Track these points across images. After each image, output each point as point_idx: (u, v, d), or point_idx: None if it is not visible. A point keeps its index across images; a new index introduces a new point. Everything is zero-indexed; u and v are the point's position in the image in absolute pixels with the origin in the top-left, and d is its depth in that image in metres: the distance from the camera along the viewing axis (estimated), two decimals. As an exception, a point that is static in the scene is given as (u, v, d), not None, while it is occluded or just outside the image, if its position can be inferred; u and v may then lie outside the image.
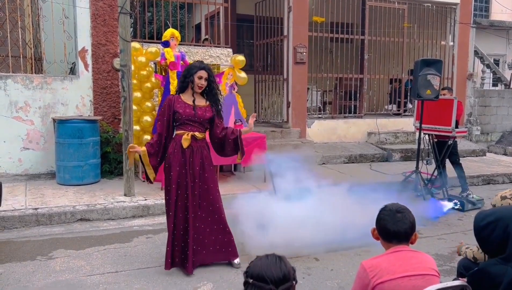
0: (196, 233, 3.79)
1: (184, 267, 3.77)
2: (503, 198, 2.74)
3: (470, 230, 2.93)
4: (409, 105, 10.23)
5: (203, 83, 3.77)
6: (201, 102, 3.84)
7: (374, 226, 2.29)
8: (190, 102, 3.79)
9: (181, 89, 3.85)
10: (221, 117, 3.95)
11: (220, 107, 3.95)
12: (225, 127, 3.93)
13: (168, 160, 3.76)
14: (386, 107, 10.90)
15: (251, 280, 1.49)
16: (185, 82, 3.80)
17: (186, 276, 3.74)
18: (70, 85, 6.79)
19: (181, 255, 3.79)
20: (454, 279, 2.74)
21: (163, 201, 5.49)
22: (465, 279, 2.38)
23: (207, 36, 9.39)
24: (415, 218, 2.23)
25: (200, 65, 3.81)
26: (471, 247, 2.97)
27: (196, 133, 3.78)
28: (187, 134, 3.74)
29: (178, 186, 3.76)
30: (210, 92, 3.85)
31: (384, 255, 2.19)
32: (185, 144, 3.72)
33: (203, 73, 3.76)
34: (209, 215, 3.84)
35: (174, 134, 3.85)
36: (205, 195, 3.82)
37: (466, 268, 2.90)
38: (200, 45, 8.39)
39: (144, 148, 3.77)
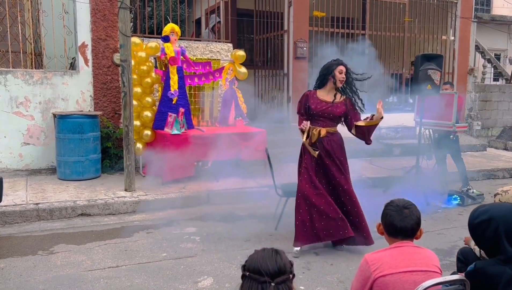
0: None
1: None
2: None
3: (470, 225, 2.92)
4: (410, 100, 10.21)
5: (344, 76, 4.02)
6: (337, 97, 4.10)
7: (380, 222, 2.29)
8: (325, 98, 4.08)
9: (321, 84, 4.14)
10: (356, 109, 4.20)
11: (356, 99, 4.19)
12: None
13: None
14: (387, 100, 10.80)
15: (247, 273, 1.50)
16: (324, 77, 4.09)
17: (186, 270, 3.75)
18: (70, 80, 6.78)
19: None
20: (453, 273, 2.75)
21: (164, 196, 5.56)
22: (463, 274, 2.38)
23: (219, 20, 9.16)
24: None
25: (337, 60, 4.10)
26: None
27: (324, 129, 4.08)
28: (316, 130, 4.06)
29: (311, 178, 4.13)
30: (348, 85, 4.12)
31: (387, 249, 2.19)
32: (313, 138, 4.06)
33: (343, 68, 4.03)
34: (355, 208, 4.19)
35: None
36: (345, 189, 4.12)
37: (465, 256, 2.90)
38: (200, 40, 8.37)
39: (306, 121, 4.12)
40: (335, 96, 4.11)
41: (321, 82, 4.13)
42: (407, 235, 2.18)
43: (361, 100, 4.22)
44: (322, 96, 4.11)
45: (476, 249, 2.91)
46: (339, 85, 4.05)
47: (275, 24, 9.05)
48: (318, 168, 4.13)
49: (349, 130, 4.26)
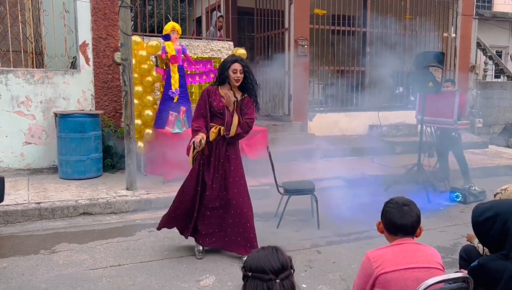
0: (214, 217, 3.89)
1: (195, 237, 3.98)
2: None
3: (472, 223, 2.92)
4: (411, 98, 10.19)
5: (239, 75, 3.77)
6: (238, 96, 3.86)
7: (379, 220, 2.29)
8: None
9: (221, 82, 3.86)
10: (252, 108, 3.91)
11: (256, 98, 3.94)
12: (248, 118, 3.87)
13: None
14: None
15: (250, 273, 1.49)
16: (221, 78, 3.83)
17: (188, 269, 3.75)
18: (71, 79, 6.78)
19: (188, 224, 3.93)
20: (456, 271, 2.74)
21: (165, 195, 5.55)
22: (466, 271, 2.38)
23: (221, 14, 9.14)
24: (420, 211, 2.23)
25: (232, 58, 3.86)
26: None
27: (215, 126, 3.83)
28: (215, 128, 3.82)
29: (198, 174, 3.85)
30: (246, 84, 3.85)
31: (389, 246, 2.19)
32: (211, 136, 3.81)
33: (237, 66, 3.77)
34: (233, 208, 3.85)
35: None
36: (230, 187, 3.85)
37: (468, 254, 2.90)
38: (201, 38, 8.36)
39: (202, 134, 3.76)
40: (235, 94, 3.86)
41: (221, 80, 3.85)
42: (407, 232, 2.18)
43: (256, 98, 3.94)
44: (223, 93, 3.83)
45: (480, 247, 2.90)
46: (235, 84, 3.79)
47: (276, 22, 9.04)
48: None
49: None
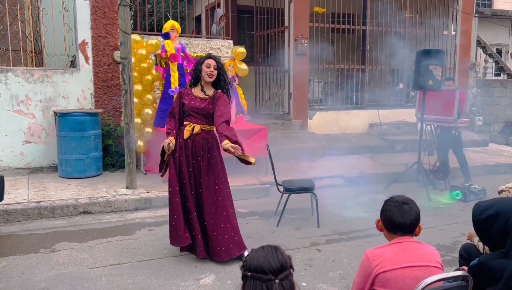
0: (208, 228, 3.83)
1: (193, 251, 3.90)
2: None
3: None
4: (411, 93, 10.15)
5: (212, 70, 3.79)
6: (210, 93, 3.85)
7: (379, 217, 2.28)
8: (199, 95, 3.84)
9: (194, 82, 3.90)
10: (226, 102, 3.83)
11: (228, 95, 3.94)
12: (223, 121, 3.72)
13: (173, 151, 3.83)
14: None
15: (249, 273, 1.49)
16: (195, 74, 3.87)
17: (188, 267, 3.75)
18: (71, 78, 6.78)
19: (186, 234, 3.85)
20: (456, 270, 2.74)
21: (165, 193, 5.52)
22: (466, 269, 2.38)
23: (222, 14, 9.13)
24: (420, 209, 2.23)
25: (207, 55, 3.92)
26: None
27: (199, 125, 3.79)
28: (190, 126, 3.80)
29: (179, 176, 3.84)
30: (219, 81, 3.88)
31: (388, 245, 2.19)
32: (186, 134, 3.78)
33: (210, 61, 3.80)
34: (217, 212, 3.81)
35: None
36: (210, 190, 3.80)
37: (468, 252, 2.89)
38: (200, 37, 8.35)
39: (171, 137, 3.83)
40: (206, 92, 3.85)
41: (195, 79, 3.88)
42: (406, 231, 2.18)
43: (228, 94, 3.93)
44: (196, 92, 3.86)
45: (480, 246, 2.90)
46: (208, 79, 3.78)
47: (276, 21, 9.02)
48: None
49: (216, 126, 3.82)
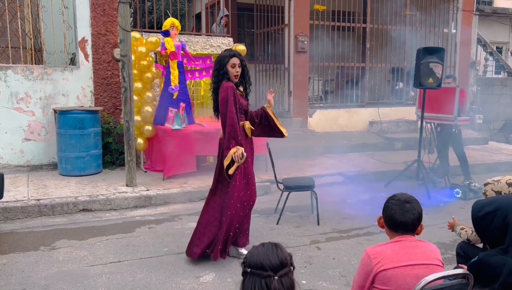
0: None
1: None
2: (510, 185, 2.68)
3: (472, 219, 2.92)
4: (411, 93, 10.17)
5: (238, 70, 3.68)
6: (241, 89, 3.85)
7: (381, 215, 2.28)
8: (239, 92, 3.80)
9: (218, 81, 3.73)
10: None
11: (248, 90, 3.91)
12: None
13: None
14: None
15: (249, 270, 1.49)
16: (221, 74, 3.69)
17: (188, 265, 3.75)
18: (71, 75, 6.77)
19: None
20: (456, 267, 2.74)
21: (165, 191, 5.55)
22: (466, 267, 2.38)
23: (227, 13, 9.08)
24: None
25: (230, 53, 3.73)
26: (466, 229, 2.94)
27: (247, 123, 3.85)
28: (246, 124, 3.81)
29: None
30: (244, 77, 3.80)
31: (388, 243, 2.19)
32: (249, 133, 3.81)
33: (235, 61, 3.68)
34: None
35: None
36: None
37: (464, 250, 2.90)
38: (200, 34, 8.33)
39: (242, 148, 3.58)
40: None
41: (220, 76, 3.70)
42: (407, 229, 2.17)
43: (250, 86, 3.92)
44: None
45: (462, 234, 2.92)
46: (235, 80, 3.70)
47: (276, 18, 9.01)
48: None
49: (252, 124, 3.84)
